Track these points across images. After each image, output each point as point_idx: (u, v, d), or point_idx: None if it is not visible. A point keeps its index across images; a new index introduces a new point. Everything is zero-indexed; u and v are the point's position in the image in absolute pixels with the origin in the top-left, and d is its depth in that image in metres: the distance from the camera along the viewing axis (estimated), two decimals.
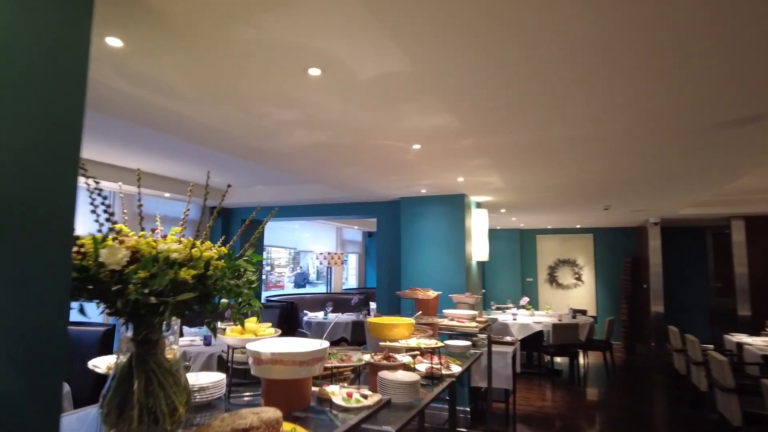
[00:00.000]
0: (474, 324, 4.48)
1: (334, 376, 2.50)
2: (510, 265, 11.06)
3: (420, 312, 4.41)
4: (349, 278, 12.33)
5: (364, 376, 2.75)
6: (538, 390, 7.16)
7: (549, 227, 10.87)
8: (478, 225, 6.17)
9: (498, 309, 9.35)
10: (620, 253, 10.46)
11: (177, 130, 3.27)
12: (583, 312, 9.21)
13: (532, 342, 7.88)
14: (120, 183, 1.91)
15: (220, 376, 2.08)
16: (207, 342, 5.60)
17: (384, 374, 2.47)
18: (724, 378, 4.56)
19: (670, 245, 9.54)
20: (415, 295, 4.78)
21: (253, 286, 1.72)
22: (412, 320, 3.43)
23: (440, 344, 3.11)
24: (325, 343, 2.03)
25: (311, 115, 2.92)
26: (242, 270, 1.73)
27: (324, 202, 6.91)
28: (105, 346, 4.39)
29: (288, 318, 7.56)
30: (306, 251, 10.26)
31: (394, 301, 6.01)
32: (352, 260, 12.32)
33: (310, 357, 1.86)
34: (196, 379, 2.05)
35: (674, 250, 9.85)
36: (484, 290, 5.41)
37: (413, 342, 3.14)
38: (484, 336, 5.22)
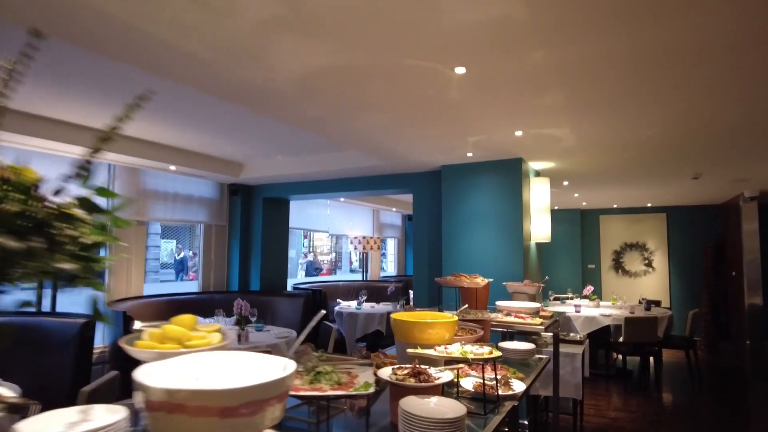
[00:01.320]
0: (538, 320, 3.45)
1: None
2: (569, 250, 9.80)
3: (466, 306, 3.42)
4: (388, 265, 11.41)
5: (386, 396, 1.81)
6: (608, 396, 6.01)
7: (615, 206, 9.53)
8: (539, 198, 5.07)
9: (557, 300, 8.20)
10: (700, 235, 9.01)
11: (122, 51, 2.39)
12: (657, 303, 7.92)
13: (598, 338, 6.71)
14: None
15: (118, 415, 1.16)
16: None
17: (409, 403, 1.52)
18: None
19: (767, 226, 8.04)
20: (459, 282, 3.79)
21: (82, 251, 0.76)
22: (454, 316, 2.46)
23: (496, 353, 2.11)
24: (290, 366, 1.08)
25: (298, 8, 1.96)
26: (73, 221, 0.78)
27: (352, 175, 5.98)
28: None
29: (315, 308, 6.71)
30: (341, 235, 9.40)
31: (434, 292, 5.02)
32: (391, 246, 11.38)
33: (241, 399, 0.91)
34: (83, 415, 1.15)
35: None
36: (547, 277, 4.30)
37: (456, 348, 2.16)
38: (548, 335, 4.16)
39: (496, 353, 2.09)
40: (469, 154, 4.64)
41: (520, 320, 3.45)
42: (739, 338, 7.79)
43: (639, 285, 9.43)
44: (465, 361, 2.08)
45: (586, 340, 5.03)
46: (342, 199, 8.45)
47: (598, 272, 9.81)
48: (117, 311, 4.36)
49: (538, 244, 5.41)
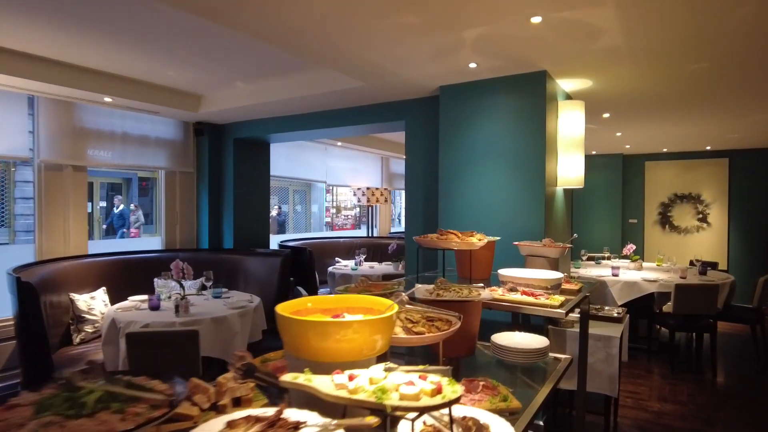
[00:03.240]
0: (557, 298, 2.30)
1: None
2: (608, 202, 8.41)
3: (441, 279, 2.30)
4: (402, 219, 10.30)
5: None
6: (649, 380, 4.86)
7: (664, 150, 8.03)
8: (570, 129, 3.78)
9: (590, 260, 6.96)
10: None
11: None
12: (713, 265, 6.59)
13: (639, 306, 5.51)
14: None
15: None
16: (154, 305, 3.87)
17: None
18: None
19: None
20: (446, 243, 2.67)
21: None
22: (391, 305, 1.36)
23: (450, 390, 0.95)
24: None
25: None
26: None
27: (334, 107, 4.80)
28: None
29: (299, 268, 5.72)
30: (343, 185, 8.31)
31: (430, 254, 3.88)
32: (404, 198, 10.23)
33: None
34: None
35: None
36: (575, 234, 3.10)
37: (368, 379, 1.04)
38: (575, 313, 3.05)
39: (450, 391, 0.99)
40: (472, 65, 3.37)
41: (530, 299, 2.31)
42: None
43: (690, 243, 8.03)
44: (378, 409, 0.99)
45: (626, 316, 3.85)
46: (339, 144, 7.30)
47: (640, 228, 8.42)
48: (16, 277, 3.42)
49: (567, 192, 4.16)
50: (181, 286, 3.82)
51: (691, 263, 6.69)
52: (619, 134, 6.37)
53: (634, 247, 6.45)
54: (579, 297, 2.53)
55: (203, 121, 5.54)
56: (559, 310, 2.20)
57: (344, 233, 11.46)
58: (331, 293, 6.57)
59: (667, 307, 5.30)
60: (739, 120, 5.43)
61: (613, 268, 5.76)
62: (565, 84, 3.83)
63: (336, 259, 6.95)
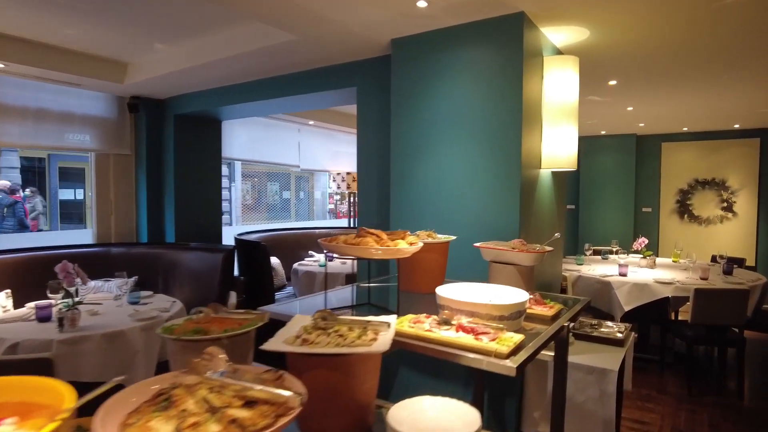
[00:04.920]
0: (507, 342, 1.45)
1: None
2: (619, 189, 7.43)
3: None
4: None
5: None
6: (661, 401, 4.01)
7: (684, 130, 7.03)
8: (559, 92, 2.89)
9: (597, 254, 6.08)
10: None
11: None
12: (740, 262, 5.67)
13: (651, 310, 4.64)
14: None
15: None
16: (43, 316, 3.11)
17: None
18: None
19: None
20: (358, 250, 1.85)
21: None
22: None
23: None
24: None
25: None
26: None
27: (279, 73, 3.96)
28: None
29: (251, 265, 4.96)
30: (319, 170, 7.49)
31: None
32: None
33: None
34: None
35: None
36: (557, 234, 2.22)
37: None
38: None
39: None
40: (422, 3, 2.50)
41: (465, 340, 1.50)
42: None
43: (712, 236, 7.06)
44: None
45: (631, 336, 2.99)
46: (311, 122, 6.47)
47: (655, 218, 7.45)
48: None
49: (558, 176, 3.29)
50: (68, 293, 3.05)
51: (714, 260, 5.77)
52: (630, 109, 5.42)
53: (647, 241, 5.54)
54: (549, 332, 1.70)
55: (139, 95, 4.75)
56: (505, 363, 1.38)
57: (323, 223, 10.67)
58: (296, 296, 5.81)
59: (686, 309, 4.41)
60: None
61: (620, 266, 4.88)
62: (554, 35, 2.94)
63: (309, 252, 6.16)
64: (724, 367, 4.73)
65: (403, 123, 2.98)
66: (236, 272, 5.35)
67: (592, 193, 7.65)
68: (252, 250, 4.96)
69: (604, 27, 2.85)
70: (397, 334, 1.62)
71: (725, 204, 6.95)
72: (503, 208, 2.62)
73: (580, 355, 2.65)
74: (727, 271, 4.97)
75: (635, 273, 4.93)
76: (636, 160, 7.42)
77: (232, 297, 3.67)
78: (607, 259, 5.80)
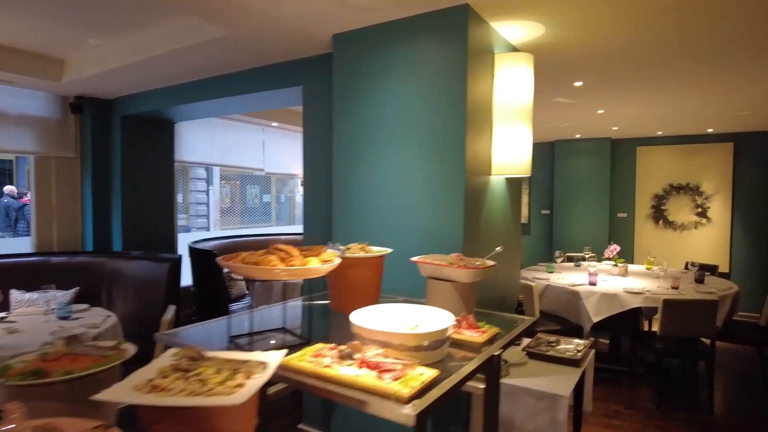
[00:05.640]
0: (407, 386, 1.21)
1: None
2: (594, 193, 7.27)
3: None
4: None
5: None
6: (629, 417, 3.82)
7: (659, 133, 6.89)
8: (511, 92, 2.68)
9: (570, 261, 5.91)
10: None
11: None
12: (713, 269, 5.54)
13: (622, 321, 4.47)
14: None
15: None
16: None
17: None
18: None
19: None
20: (257, 271, 1.59)
21: None
22: None
23: None
24: None
25: None
26: None
27: (226, 71, 3.72)
28: None
29: (202, 274, 4.69)
30: (285, 174, 7.23)
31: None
32: None
33: None
34: None
35: None
36: (499, 248, 2.01)
37: None
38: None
39: None
40: None
41: (365, 379, 1.28)
42: None
43: (687, 242, 6.93)
44: None
45: (590, 353, 2.79)
46: (275, 124, 6.22)
47: (630, 223, 7.30)
48: None
49: (514, 182, 3.08)
50: None
51: (688, 267, 5.62)
52: (601, 112, 5.25)
53: (618, 248, 5.38)
54: (471, 366, 1.47)
55: (83, 94, 4.46)
56: (403, 410, 1.15)
57: (289, 229, 10.38)
58: (251, 307, 5.54)
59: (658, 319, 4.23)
60: (751, 90, 4.31)
61: (590, 274, 4.70)
62: (508, 30, 2.74)
63: None
64: (695, 379, 4.56)
65: (344, 125, 2.76)
66: (191, 282, 5.08)
67: (566, 197, 7.49)
68: (205, 260, 4.70)
69: (560, 23, 2.65)
70: (293, 370, 1.39)
71: (700, 209, 6.83)
72: (447, 218, 2.41)
73: (532, 378, 2.44)
74: (699, 280, 4.82)
75: (606, 282, 4.76)
76: (611, 165, 7.28)
77: (170, 312, 3.41)
78: (579, 266, 5.62)
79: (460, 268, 1.99)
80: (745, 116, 5.51)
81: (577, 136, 7.16)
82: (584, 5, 2.42)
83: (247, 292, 5.63)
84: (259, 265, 1.56)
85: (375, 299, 2.10)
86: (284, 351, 1.30)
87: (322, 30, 2.77)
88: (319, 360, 1.39)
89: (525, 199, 8.07)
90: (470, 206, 2.44)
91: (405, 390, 1.21)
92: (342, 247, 2.11)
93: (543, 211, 7.92)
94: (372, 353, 1.37)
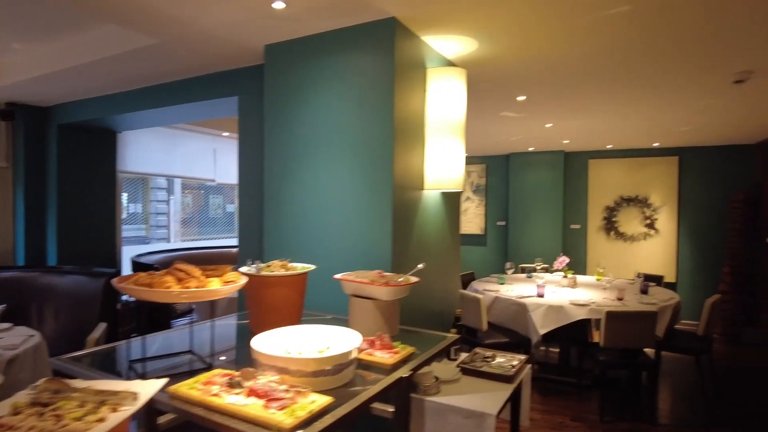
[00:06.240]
0: (293, 415, 1.14)
1: None
2: (548, 205, 7.39)
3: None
4: None
5: None
6: (574, 427, 3.84)
7: (609, 147, 7.08)
8: (443, 106, 2.68)
9: (523, 272, 5.97)
10: (724, 185, 6.61)
11: None
12: (658, 279, 5.67)
13: (573, 332, 4.52)
14: None
15: None
16: None
17: None
18: None
19: None
20: (147, 293, 1.48)
21: None
22: None
23: None
24: None
25: None
26: None
27: (162, 80, 3.61)
28: None
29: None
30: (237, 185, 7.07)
31: None
32: None
33: None
34: None
35: None
36: (420, 265, 1.97)
37: None
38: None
39: None
40: (279, 5, 2.23)
41: (250, 408, 1.20)
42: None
43: (637, 253, 7.11)
44: None
45: (525, 368, 2.77)
46: (225, 134, 6.10)
47: (583, 235, 7.46)
48: None
49: (451, 196, 3.07)
50: None
51: (638, 278, 5.75)
52: (549, 125, 5.34)
53: (567, 260, 5.45)
54: (374, 390, 1.42)
55: (14, 101, 4.27)
56: None
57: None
58: (192, 324, 5.38)
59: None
60: (689, 107, 4.46)
61: (538, 286, 4.74)
62: (440, 44, 2.74)
63: None
64: (639, 390, 4.63)
65: (275, 137, 2.70)
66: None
67: (521, 209, 7.59)
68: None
69: (491, 38, 2.67)
70: (180, 398, 1.31)
71: (648, 221, 7.02)
72: (376, 233, 2.37)
73: (463, 396, 2.40)
74: (643, 291, 4.91)
75: (554, 293, 4.80)
76: (564, 177, 7.42)
77: (98, 330, 3.25)
78: (531, 277, 5.67)
79: (381, 286, 1.95)
80: (687, 131, 5.71)
81: (531, 149, 7.28)
82: (511, 22, 2.44)
83: (194, 306, 5.47)
84: (153, 287, 1.48)
85: (296, 318, 2.04)
86: (163, 381, 1.22)
87: (254, 40, 2.71)
88: (208, 388, 1.32)
89: (481, 210, 8.15)
90: (400, 221, 2.40)
91: (288, 420, 1.15)
92: (262, 265, 2.04)
93: (499, 223, 8.00)
94: (263, 381, 1.31)
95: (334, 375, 1.43)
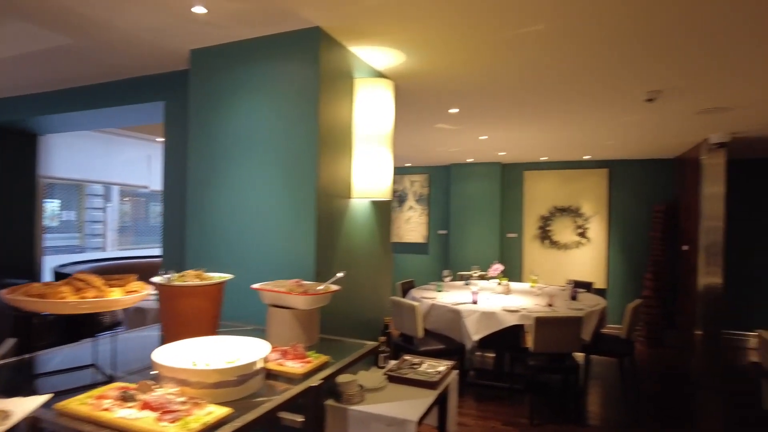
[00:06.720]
0: (184, 429, 1.08)
1: None
2: (486, 215, 7.62)
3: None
4: None
5: None
6: None
7: (543, 159, 7.39)
8: (371, 117, 2.71)
9: (462, 279, 6.10)
10: (648, 196, 7.03)
11: None
12: (588, 285, 5.93)
13: (507, 337, 4.64)
14: None
15: None
16: None
17: None
18: None
19: (735, 185, 6.09)
20: (54, 306, 1.40)
21: None
22: None
23: None
24: None
25: None
26: None
27: (80, 84, 3.46)
28: None
29: None
30: None
31: None
32: None
33: None
34: None
35: (740, 194, 6.40)
36: (340, 273, 1.96)
37: None
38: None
39: None
40: (199, 9, 2.20)
41: (143, 423, 1.15)
42: (688, 326, 5.94)
43: (570, 260, 7.43)
44: None
45: (450, 374, 2.83)
46: (159, 139, 5.89)
47: (520, 243, 7.72)
48: None
49: (381, 205, 3.10)
50: None
51: (568, 284, 6.00)
52: (484, 138, 5.52)
53: (502, 267, 5.62)
54: (280, 399, 1.40)
55: None
56: None
57: None
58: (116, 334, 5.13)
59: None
60: (609, 123, 4.72)
61: (473, 293, 4.85)
62: (369, 55, 2.78)
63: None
64: (567, 393, 4.81)
65: (200, 144, 2.64)
66: None
67: (462, 218, 7.77)
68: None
69: (417, 52, 2.73)
70: (68, 414, 1.25)
71: (580, 230, 7.36)
72: (300, 242, 2.36)
73: (387, 403, 2.42)
74: (573, 297, 5.13)
75: (488, 300, 4.92)
76: (502, 187, 7.67)
77: (6, 345, 3.04)
78: (468, 284, 5.80)
79: (299, 295, 1.94)
80: (613, 145, 6.04)
81: (470, 160, 7.48)
82: (434, 37, 2.51)
83: (121, 318, 5.22)
84: (46, 298, 1.41)
85: (212, 329, 1.99)
86: (45, 397, 1.16)
87: (178, 45, 2.65)
88: (100, 402, 1.26)
89: (424, 219, 8.28)
90: (325, 229, 2.40)
91: None
92: (176, 275, 1.98)
93: (440, 232, 8.15)
94: (159, 393, 1.27)
95: (239, 386, 1.41)
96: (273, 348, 1.72)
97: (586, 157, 7.12)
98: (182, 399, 1.25)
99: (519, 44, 2.60)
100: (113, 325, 5.08)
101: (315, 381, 1.57)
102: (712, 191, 5.45)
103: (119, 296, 1.52)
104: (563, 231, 7.45)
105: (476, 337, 4.45)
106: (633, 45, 2.56)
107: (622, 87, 3.39)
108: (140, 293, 1.59)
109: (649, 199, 7.00)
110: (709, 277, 5.49)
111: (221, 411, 1.25)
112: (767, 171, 6.62)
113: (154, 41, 2.61)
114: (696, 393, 5.01)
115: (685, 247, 6.22)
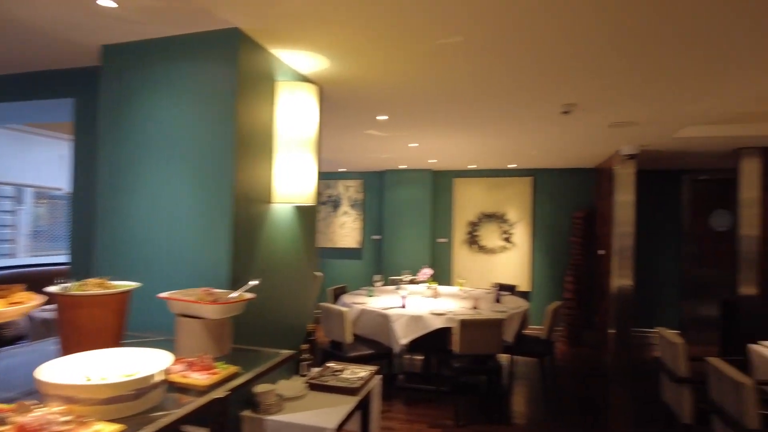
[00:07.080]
0: None
1: None
2: (418, 221, 7.77)
3: None
4: None
5: None
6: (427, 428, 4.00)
7: (472, 167, 7.63)
8: (294, 121, 2.68)
9: (393, 284, 6.16)
10: (570, 204, 7.44)
11: None
12: (512, 288, 6.17)
13: (435, 340, 4.72)
14: None
15: None
16: None
17: None
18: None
19: (644, 193, 6.57)
20: None
21: None
22: None
23: None
24: None
25: None
26: None
27: None
28: None
29: None
30: None
31: None
32: None
33: None
34: None
35: (649, 201, 6.92)
36: (253, 282, 1.94)
37: None
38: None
39: None
40: (107, 3, 2.09)
41: None
42: (603, 326, 6.34)
43: (496, 264, 7.71)
44: None
45: (373, 379, 2.84)
46: None
47: (449, 248, 7.92)
48: None
49: (305, 211, 3.07)
50: None
51: (494, 287, 6.21)
52: (414, 145, 5.62)
53: (431, 272, 5.74)
54: (182, 412, 1.35)
55: None
56: None
57: None
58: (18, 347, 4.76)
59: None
60: (530, 133, 4.95)
61: (402, 297, 4.91)
62: (292, 59, 2.75)
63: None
64: (491, 393, 4.97)
65: (111, 144, 2.50)
66: None
67: (394, 224, 7.86)
68: None
69: (340, 58, 2.74)
70: None
71: (506, 235, 7.66)
72: (214, 249, 2.28)
73: (305, 412, 2.39)
74: (497, 299, 5.32)
75: (417, 304, 5.00)
76: (433, 194, 7.84)
77: None
78: (400, 288, 5.87)
79: (209, 304, 1.87)
80: (537, 155, 6.34)
81: (403, 166, 7.59)
82: (355, 43, 2.52)
83: (26, 331, 4.83)
84: None
85: (115, 341, 1.88)
86: None
87: (87, 39, 2.50)
88: None
89: (358, 225, 8.30)
90: (243, 235, 2.34)
91: None
92: (75, 284, 1.86)
93: (374, 237, 8.21)
94: (40, 413, 1.18)
95: (135, 400, 1.33)
96: (178, 359, 1.65)
97: (511, 166, 7.43)
98: (67, 418, 1.17)
99: (440, 55, 2.67)
100: (15, 339, 4.69)
101: (221, 393, 1.52)
102: (624, 199, 5.85)
103: (1, 308, 1.40)
104: (490, 236, 7.72)
105: (404, 341, 4.50)
106: (549, 59, 2.70)
107: (540, 99, 3.57)
108: (25, 305, 1.47)
109: (570, 206, 7.40)
110: (621, 279, 5.88)
111: (111, 428, 1.18)
112: (669, 181, 7.22)
113: (58, 34, 2.45)
114: (608, 388, 5.33)
115: (601, 252, 6.63)
